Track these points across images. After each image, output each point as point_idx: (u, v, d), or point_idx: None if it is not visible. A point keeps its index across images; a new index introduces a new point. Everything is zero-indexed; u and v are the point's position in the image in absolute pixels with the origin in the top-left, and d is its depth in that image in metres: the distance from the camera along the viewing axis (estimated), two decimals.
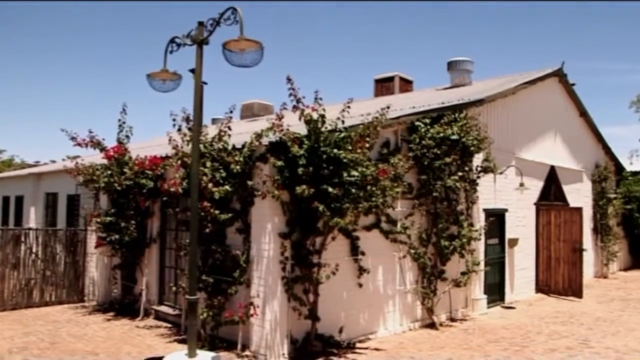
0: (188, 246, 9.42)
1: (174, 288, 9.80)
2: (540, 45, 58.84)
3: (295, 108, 8.42)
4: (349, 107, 8.80)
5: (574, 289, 15.01)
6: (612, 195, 19.80)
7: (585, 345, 9.88)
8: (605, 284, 18.39)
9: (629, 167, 23.37)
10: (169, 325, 10.72)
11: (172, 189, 9.25)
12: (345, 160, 8.30)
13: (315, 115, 8.37)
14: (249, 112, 23.68)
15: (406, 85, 20.31)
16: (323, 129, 8.51)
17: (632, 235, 22.17)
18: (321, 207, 8.25)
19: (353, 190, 8.47)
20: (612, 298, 15.32)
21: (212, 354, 7.07)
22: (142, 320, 11.21)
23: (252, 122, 20.03)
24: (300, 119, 8.41)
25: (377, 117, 8.75)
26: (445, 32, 58.94)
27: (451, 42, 59.61)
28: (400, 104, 14.12)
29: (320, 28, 60.41)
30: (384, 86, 20.25)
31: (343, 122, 8.73)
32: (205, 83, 15.27)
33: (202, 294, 9.26)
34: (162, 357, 7.27)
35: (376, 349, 9.40)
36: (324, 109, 8.48)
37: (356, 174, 8.47)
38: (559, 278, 15.34)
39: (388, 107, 8.89)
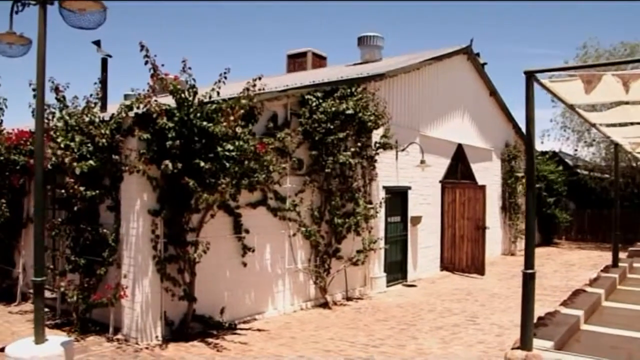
0: (60, 225, 8.94)
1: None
2: (461, 28, 59.57)
3: (153, 77, 7.93)
4: (225, 77, 8.37)
5: (477, 267, 15.11)
6: (520, 174, 20.06)
7: (472, 322, 9.85)
8: (511, 261, 18.66)
9: (540, 147, 23.84)
10: (47, 310, 10.09)
11: None
12: (215, 133, 7.87)
13: (183, 86, 7.92)
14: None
15: (320, 61, 19.94)
16: (196, 101, 8.09)
17: (541, 214, 22.62)
18: (192, 183, 7.83)
19: (228, 165, 8.08)
20: (513, 275, 15.48)
21: (64, 339, 6.58)
22: (18, 305, 10.55)
23: (164, 98, 19.29)
24: (163, 89, 7.94)
25: (247, 89, 8.34)
26: (367, 10, 58.87)
27: (373, 22, 59.50)
28: (310, 80, 13.73)
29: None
30: (296, 62, 19.84)
31: (218, 93, 8.31)
32: (110, 56, 14.42)
33: (75, 275, 8.78)
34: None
35: (258, 330, 9.09)
36: (194, 79, 8.07)
37: (231, 147, 8.07)
38: (463, 256, 15.42)
39: (259, 78, 8.46)
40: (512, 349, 6.54)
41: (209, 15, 60.73)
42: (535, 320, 7.88)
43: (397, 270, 13.67)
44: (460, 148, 16.68)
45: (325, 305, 10.95)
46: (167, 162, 7.65)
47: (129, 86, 9.03)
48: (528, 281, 6.46)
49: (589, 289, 10.15)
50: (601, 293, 9.97)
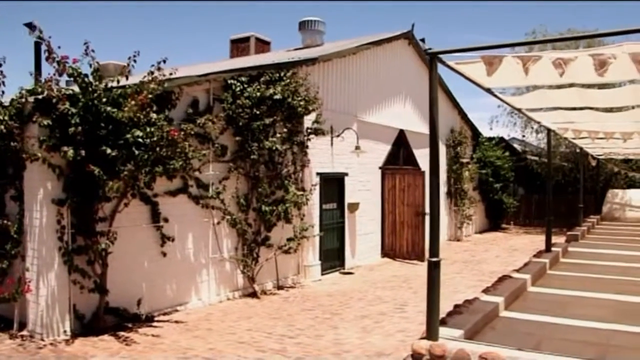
0: None
1: None
2: (414, 15, 59.74)
3: (48, 60, 7.53)
4: (134, 61, 8.08)
5: (417, 253, 15.04)
6: (465, 160, 20.08)
7: (400, 310, 9.73)
8: (456, 246, 18.69)
9: (489, 133, 23.91)
10: None
11: None
12: (121, 119, 7.54)
13: (86, 70, 7.58)
14: (104, 73, 22.25)
15: (263, 46, 19.60)
16: (102, 85, 7.76)
17: (488, 199, 22.74)
18: (97, 171, 7.48)
19: (137, 152, 7.75)
20: (454, 260, 15.47)
21: None
22: None
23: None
24: (61, 73, 7.56)
25: (151, 72, 8.00)
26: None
27: (327, 8, 58.96)
28: (247, 65, 13.39)
29: None
30: (239, 47, 19.48)
31: (127, 78, 7.98)
32: (43, 40, 13.96)
33: None
34: None
35: (177, 322, 8.80)
36: (98, 63, 7.71)
37: (140, 134, 7.74)
38: (404, 242, 15.33)
39: (164, 61, 8.11)
40: (419, 339, 6.40)
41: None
42: (452, 308, 7.82)
43: (334, 257, 13.51)
44: (402, 134, 16.55)
45: (253, 294, 10.70)
46: (65, 148, 7.31)
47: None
48: (433, 269, 6.29)
49: (515, 275, 10.11)
50: (527, 278, 9.94)
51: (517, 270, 10.56)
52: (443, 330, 6.52)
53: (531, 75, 5.74)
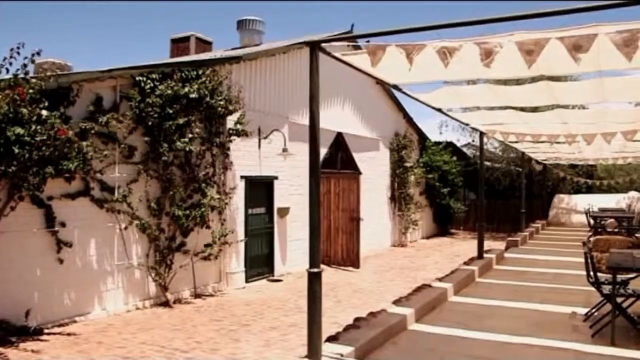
0: None
1: None
2: (366, 18, 59.58)
3: None
4: (18, 53, 7.49)
5: (352, 259, 14.63)
6: (409, 164, 19.74)
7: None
8: (399, 252, 18.32)
9: (439, 138, 23.67)
10: None
11: None
12: None
13: None
14: (43, 73, 21.48)
15: (204, 45, 19.05)
16: None
17: (436, 204, 22.46)
18: None
19: (17, 152, 7.16)
20: (391, 267, 15.10)
21: None
22: None
23: None
24: None
25: (25, 64, 7.46)
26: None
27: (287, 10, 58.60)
28: None
29: None
30: (180, 47, 18.92)
31: (7, 71, 7.41)
32: None
33: None
34: None
35: (69, 334, 8.20)
36: None
37: (22, 131, 7.15)
38: (338, 248, 14.90)
39: (39, 53, 7.59)
40: (302, 357, 5.92)
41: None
42: (351, 322, 7.37)
43: (262, 264, 12.99)
44: (340, 137, 16.12)
45: (166, 303, 10.13)
46: None
47: None
48: (313, 281, 5.83)
49: (435, 284, 9.75)
50: (448, 287, 9.57)
51: (440, 279, 10.20)
52: (332, 347, 6.08)
53: (416, 67, 5.32)
